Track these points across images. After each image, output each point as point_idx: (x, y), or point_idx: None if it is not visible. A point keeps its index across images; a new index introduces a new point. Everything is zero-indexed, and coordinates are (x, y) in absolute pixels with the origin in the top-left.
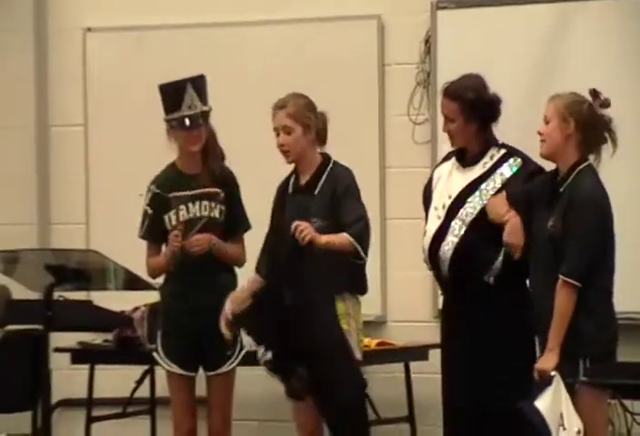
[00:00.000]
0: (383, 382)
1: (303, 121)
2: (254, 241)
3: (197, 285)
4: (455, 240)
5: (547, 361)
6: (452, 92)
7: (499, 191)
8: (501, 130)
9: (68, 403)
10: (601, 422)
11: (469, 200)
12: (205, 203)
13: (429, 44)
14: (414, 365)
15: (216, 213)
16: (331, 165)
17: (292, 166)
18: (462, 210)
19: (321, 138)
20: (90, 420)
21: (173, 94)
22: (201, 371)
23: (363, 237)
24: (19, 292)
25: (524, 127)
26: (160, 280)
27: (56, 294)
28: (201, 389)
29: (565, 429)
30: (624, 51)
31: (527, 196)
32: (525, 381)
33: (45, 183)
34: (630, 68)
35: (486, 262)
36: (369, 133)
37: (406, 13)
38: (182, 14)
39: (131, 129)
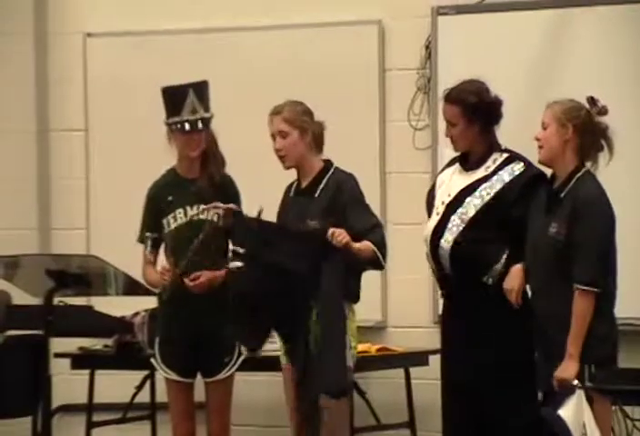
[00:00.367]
0: (383, 388)
1: (299, 125)
2: None
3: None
4: (453, 236)
5: (568, 369)
6: (453, 96)
7: (498, 194)
8: (499, 135)
9: (68, 409)
10: (604, 428)
11: (468, 199)
12: (203, 206)
13: (430, 49)
14: (414, 371)
15: (214, 218)
16: (332, 170)
17: (291, 172)
18: (461, 208)
19: (318, 146)
20: (90, 425)
21: (174, 98)
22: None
23: (383, 244)
24: (19, 297)
25: (522, 132)
26: None
27: (57, 299)
28: (200, 394)
29: None
30: (623, 57)
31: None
32: (523, 387)
33: (45, 188)
34: (629, 74)
35: (487, 262)
36: (369, 138)
37: (407, 18)
38: (182, 19)
39: (131, 134)
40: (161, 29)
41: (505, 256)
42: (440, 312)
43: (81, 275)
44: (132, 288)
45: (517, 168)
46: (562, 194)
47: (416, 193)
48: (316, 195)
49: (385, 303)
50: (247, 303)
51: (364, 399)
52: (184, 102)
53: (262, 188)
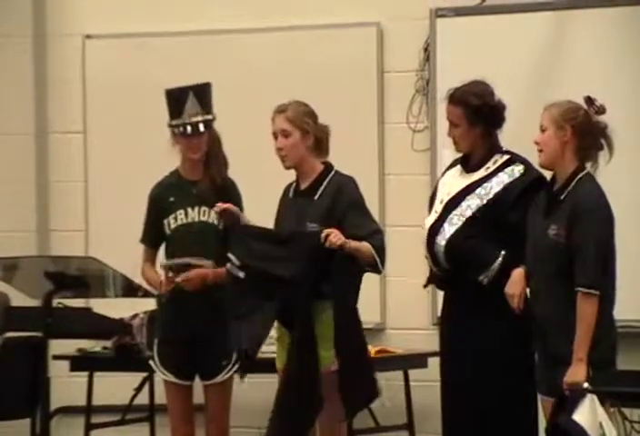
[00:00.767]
0: (382, 390)
1: (301, 126)
2: None
3: (194, 294)
4: (449, 235)
5: (577, 373)
6: (456, 97)
7: (497, 195)
8: (500, 137)
9: (67, 410)
10: None
11: (467, 199)
12: (205, 209)
13: (428, 51)
14: (413, 373)
15: (214, 220)
16: (332, 173)
17: (292, 173)
18: (459, 208)
19: (322, 149)
20: (89, 427)
21: (175, 101)
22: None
23: (382, 249)
24: (18, 299)
25: (522, 134)
26: None
27: (55, 301)
28: (200, 396)
29: None
30: (622, 59)
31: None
32: (522, 388)
33: (44, 190)
34: (627, 75)
35: (483, 262)
36: (368, 140)
37: (406, 20)
38: (182, 20)
39: (130, 136)
40: (160, 31)
41: (500, 257)
42: (439, 314)
43: (80, 277)
44: (130, 290)
45: (517, 170)
46: (562, 196)
47: (415, 194)
48: (316, 198)
49: (384, 305)
50: (245, 307)
51: None
52: (184, 104)
53: (263, 189)
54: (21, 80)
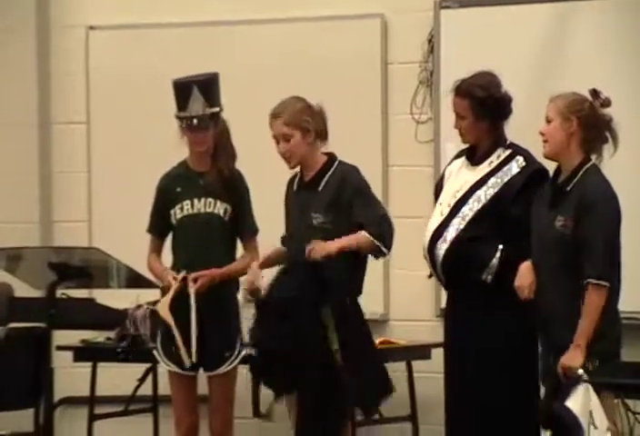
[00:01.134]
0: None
1: (300, 125)
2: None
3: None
4: (451, 238)
5: (574, 358)
6: (463, 89)
7: (499, 192)
8: (506, 129)
9: (70, 401)
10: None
11: (471, 198)
12: (211, 200)
13: (432, 43)
14: (416, 364)
15: (220, 212)
16: (336, 164)
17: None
18: (463, 208)
19: (322, 135)
20: (92, 417)
21: (180, 94)
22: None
23: (384, 235)
24: (22, 289)
25: (526, 126)
26: None
27: (59, 292)
28: (204, 386)
29: (596, 428)
30: (626, 49)
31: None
32: (526, 382)
33: (47, 181)
34: (630, 67)
35: (483, 260)
36: (372, 131)
37: (410, 12)
38: (185, 12)
39: (133, 127)
40: (163, 22)
41: (498, 252)
42: (442, 305)
43: (83, 268)
44: (134, 281)
45: (518, 164)
46: (568, 188)
47: (419, 186)
48: (320, 189)
49: (388, 297)
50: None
51: None
52: (189, 98)
53: (269, 181)
54: (24, 71)
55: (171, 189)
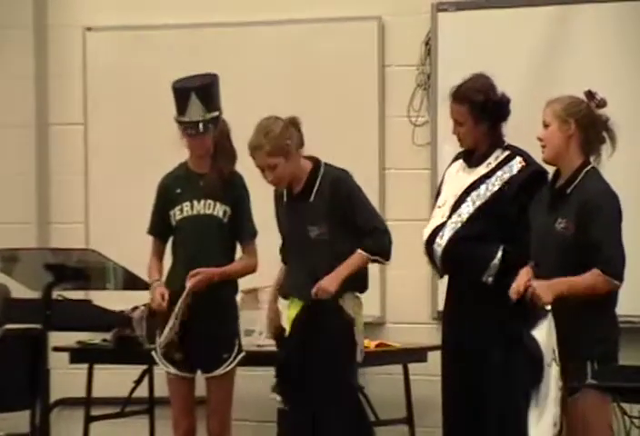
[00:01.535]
0: (381, 384)
1: (283, 151)
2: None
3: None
4: (448, 236)
5: (547, 292)
6: (460, 95)
7: (497, 192)
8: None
9: (67, 403)
10: (604, 425)
11: (469, 198)
12: (210, 202)
13: (429, 45)
14: (412, 367)
15: (220, 213)
16: (323, 170)
17: None
18: (460, 208)
19: (300, 145)
20: (88, 419)
21: (179, 98)
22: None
23: (380, 247)
24: (18, 291)
25: (523, 129)
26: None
27: (55, 294)
28: (202, 388)
29: (557, 365)
30: (623, 53)
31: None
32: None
33: (44, 182)
34: (629, 71)
35: (483, 261)
36: (369, 134)
37: (407, 14)
38: (182, 13)
39: (130, 128)
40: (160, 23)
41: (500, 252)
42: (439, 308)
43: (80, 269)
44: (131, 282)
45: (516, 165)
46: (568, 190)
47: (415, 189)
48: (311, 199)
49: (384, 299)
50: None
51: (362, 394)
52: (187, 103)
53: (264, 182)
54: (22, 72)
55: (171, 190)
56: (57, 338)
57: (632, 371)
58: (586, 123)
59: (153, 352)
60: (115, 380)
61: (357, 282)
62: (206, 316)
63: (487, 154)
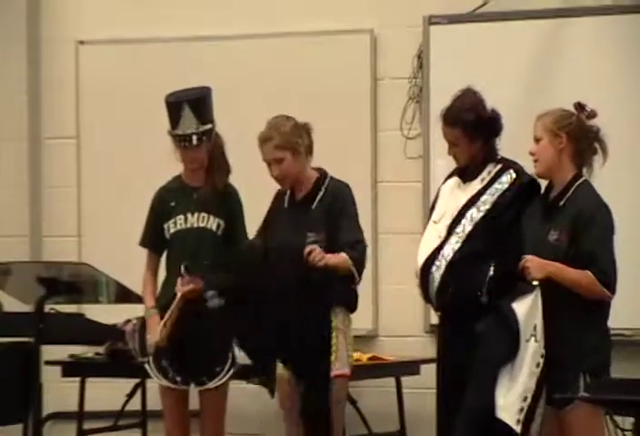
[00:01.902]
0: (374, 397)
1: (291, 147)
2: None
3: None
4: (448, 257)
5: (538, 269)
6: (451, 118)
7: (493, 205)
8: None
9: (59, 416)
10: None
11: (465, 217)
12: (204, 215)
13: (422, 58)
14: (405, 380)
15: (213, 227)
16: (328, 181)
17: None
18: (458, 227)
19: (310, 151)
20: (81, 433)
21: (171, 111)
22: None
23: (361, 261)
24: (11, 304)
25: (514, 142)
26: None
27: (48, 307)
28: (195, 402)
29: (537, 341)
30: (615, 67)
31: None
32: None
33: (37, 196)
34: (622, 83)
35: (480, 281)
36: (361, 147)
37: (399, 27)
38: (175, 27)
39: (123, 142)
40: (153, 37)
41: (491, 268)
42: (431, 321)
43: (72, 283)
44: (124, 296)
45: (510, 178)
46: (561, 202)
47: (408, 202)
48: (313, 207)
49: (376, 312)
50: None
51: (355, 407)
52: (180, 116)
53: (262, 196)
54: (15, 85)
55: (165, 203)
56: (50, 351)
57: (624, 383)
58: (578, 136)
59: (146, 365)
60: (108, 393)
61: (348, 299)
62: (199, 329)
63: (481, 169)
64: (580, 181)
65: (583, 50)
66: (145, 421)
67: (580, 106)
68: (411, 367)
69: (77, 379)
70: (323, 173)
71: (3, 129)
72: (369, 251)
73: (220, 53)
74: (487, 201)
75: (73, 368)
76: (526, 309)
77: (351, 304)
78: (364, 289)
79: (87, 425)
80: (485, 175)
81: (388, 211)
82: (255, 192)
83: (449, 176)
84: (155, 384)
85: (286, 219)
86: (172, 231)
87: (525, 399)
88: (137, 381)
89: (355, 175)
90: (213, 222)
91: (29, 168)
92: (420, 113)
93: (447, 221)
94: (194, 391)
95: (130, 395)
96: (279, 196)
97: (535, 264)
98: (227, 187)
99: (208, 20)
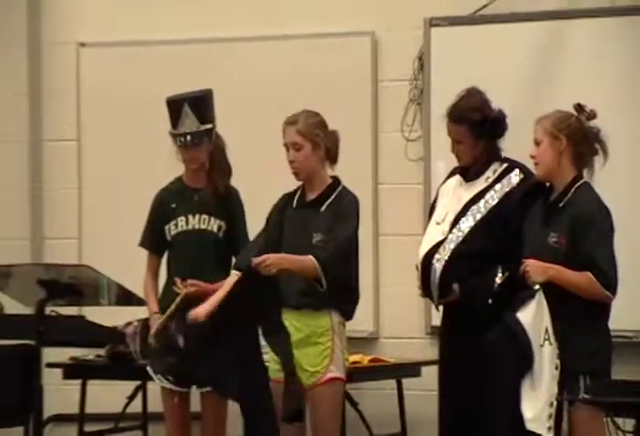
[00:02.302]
0: (375, 399)
1: (312, 138)
2: None
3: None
4: (449, 252)
5: (538, 273)
6: (457, 115)
7: (497, 204)
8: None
9: (60, 418)
10: None
11: (469, 213)
12: (205, 216)
13: (422, 60)
14: (406, 382)
15: (214, 228)
16: (340, 188)
17: (291, 182)
18: (460, 224)
19: (331, 157)
20: (82, 435)
21: (172, 111)
22: None
23: (328, 262)
24: (11, 306)
25: (516, 144)
26: None
27: (48, 309)
28: (197, 404)
29: (551, 343)
30: (616, 68)
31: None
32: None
33: (37, 198)
34: (622, 85)
35: (484, 283)
36: (362, 149)
37: (400, 29)
38: (176, 29)
39: (124, 144)
40: (154, 39)
41: (499, 273)
42: (432, 323)
43: (73, 285)
44: (124, 298)
45: (516, 178)
46: (561, 204)
47: (409, 204)
48: (322, 209)
49: (377, 314)
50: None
51: (356, 410)
52: (180, 115)
53: (264, 198)
54: (15, 88)
55: (166, 205)
56: (51, 354)
57: (625, 385)
58: (578, 137)
59: (148, 367)
60: (109, 395)
61: (342, 305)
62: (199, 331)
63: (484, 168)
64: (580, 183)
65: (584, 51)
66: (146, 424)
67: (580, 107)
68: (412, 369)
69: (78, 381)
70: (337, 180)
71: (3, 131)
72: (369, 253)
73: (221, 55)
74: (493, 197)
75: (74, 370)
76: (532, 316)
77: (346, 312)
78: (364, 291)
79: (88, 427)
80: (490, 174)
81: (389, 213)
82: (257, 193)
83: (449, 175)
84: (156, 386)
85: (294, 219)
86: (173, 232)
87: (552, 404)
88: (138, 383)
89: (356, 177)
90: (214, 224)
91: (30, 170)
92: (421, 116)
93: (451, 217)
94: (195, 393)
95: (131, 397)
96: (289, 197)
97: (535, 268)
98: (228, 189)
99: (209, 23)
